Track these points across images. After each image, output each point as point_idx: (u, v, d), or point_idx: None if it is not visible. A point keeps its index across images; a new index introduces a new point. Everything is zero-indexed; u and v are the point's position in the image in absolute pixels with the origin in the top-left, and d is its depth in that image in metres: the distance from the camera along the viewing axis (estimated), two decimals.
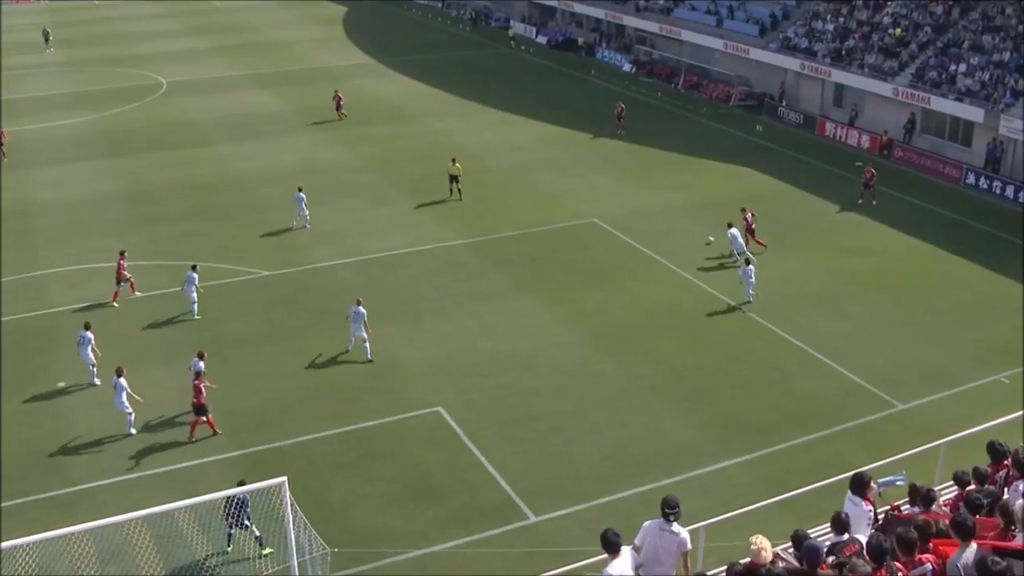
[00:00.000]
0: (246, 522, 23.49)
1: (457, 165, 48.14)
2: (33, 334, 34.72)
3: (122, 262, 37.28)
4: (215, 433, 28.62)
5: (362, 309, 32.53)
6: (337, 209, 46.89)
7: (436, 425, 29.16)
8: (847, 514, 13.15)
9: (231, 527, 23.60)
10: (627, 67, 78.66)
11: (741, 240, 40.43)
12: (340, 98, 63.31)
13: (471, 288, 38.37)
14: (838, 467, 22.84)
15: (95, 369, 31.48)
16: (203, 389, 28.46)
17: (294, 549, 20.55)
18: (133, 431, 28.68)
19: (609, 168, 53.12)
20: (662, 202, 47.77)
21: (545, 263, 40.61)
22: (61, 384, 31.37)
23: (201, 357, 29.63)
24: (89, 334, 31.44)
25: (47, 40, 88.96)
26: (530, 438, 28.52)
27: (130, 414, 28.67)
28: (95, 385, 31.28)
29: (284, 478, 20.29)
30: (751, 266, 36.74)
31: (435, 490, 26.17)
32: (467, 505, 25.61)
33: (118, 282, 37.15)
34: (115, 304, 36.97)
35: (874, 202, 47.07)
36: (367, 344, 32.52)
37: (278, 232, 43.87)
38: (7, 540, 20.29)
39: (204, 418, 28.56)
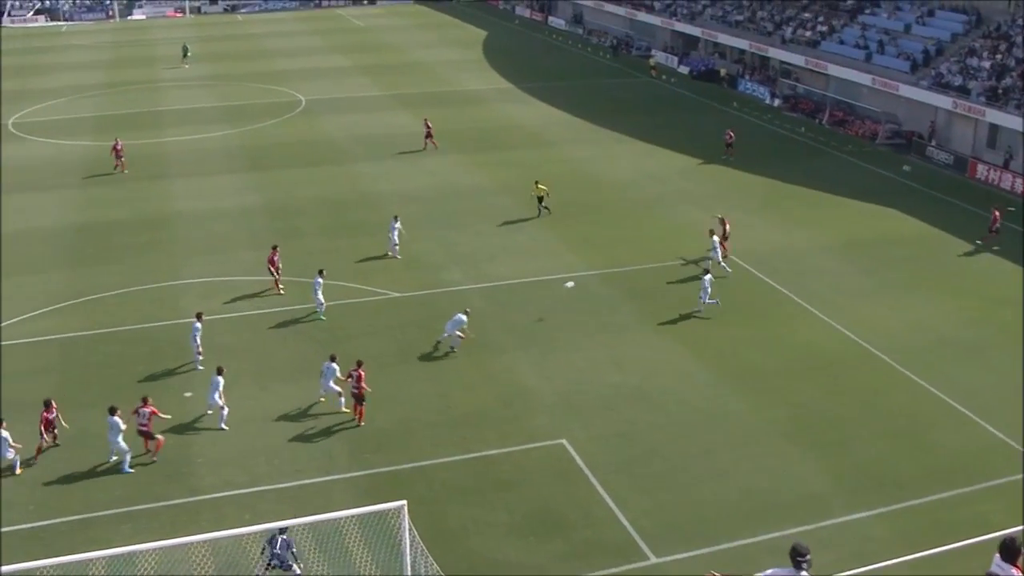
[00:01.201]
0: (292, 564, 22.68)
1: (541, 187, 49.30)
2: (167, 344, 35.83)
3: (275, 256, 39.77)
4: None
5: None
6: (472, 233, 47.39)
7: (560, 457, 29.05)
8: None
9: (270, 567, 22.72)
10: (770, 100, 77.71)
11: (718, 250, 42.42)
12: (430, 126, 62.71)
13: (603, 319, 38.22)
14: (981, 528, 22.09)
15: (200, 357, 33.82)
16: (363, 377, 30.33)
17: (409, 575, 20.73)
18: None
19: (748, 203, 52.43)
20: (802, 240, 46.90)
21: (679, 298, 40.14)
22: (188, 395, 32.29)
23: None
24: (199, 324, 33.78)
25: (185, 55, 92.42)
26: (655, 476, 28.19)
27: (222, 409, 30.27)
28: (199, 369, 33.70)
29: (404, 502, 20.52)
30: (709, 276, 38.57)
31: (556, 523, 26.05)
32: (587, 541, 25.41)
33: (276, 271, 39.76)
34: (281, 291, 39.85)
35: (995, 247, 45.95)
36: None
37: (410, 253, 44.46)
38: (127, 546, 21.02)
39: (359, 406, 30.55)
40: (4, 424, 28.23)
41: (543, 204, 49.50)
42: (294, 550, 22.61)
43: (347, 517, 23.04)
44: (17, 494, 26.87)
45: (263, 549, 22.63)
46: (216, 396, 30.21)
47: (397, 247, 44.19)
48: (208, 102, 76.74)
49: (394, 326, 37.57)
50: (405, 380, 33.34)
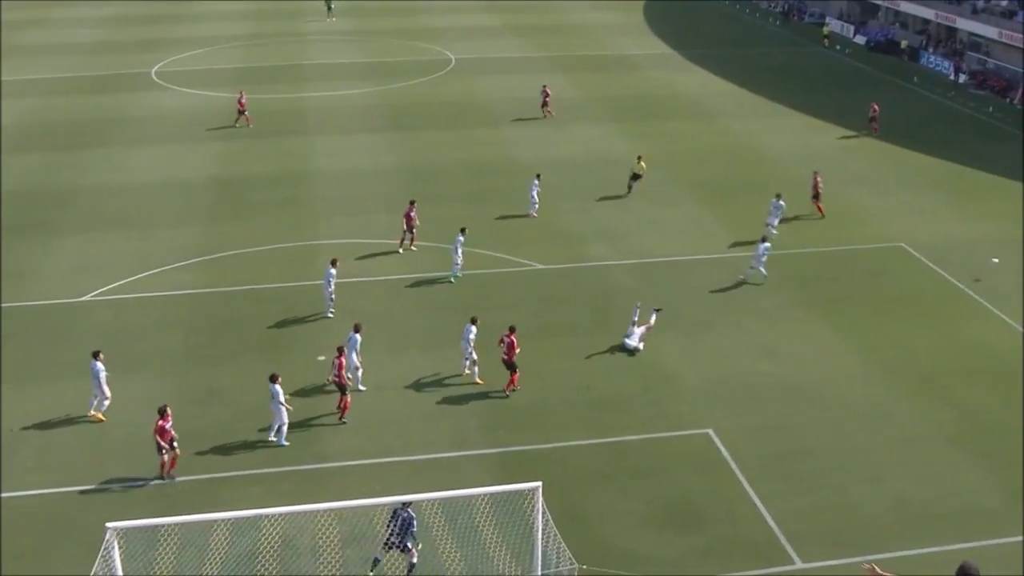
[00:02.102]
0: (409, 544, 22.79)
1: (642, 164, 48.58)
2: (303, 304, 36.78)
3: (412, 212, 41.03)
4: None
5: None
6: (619, 206, 47.26)
7: (704, 448, 28.84)
8: None
9: (388, 547, 22.82)
10: (955, 76, 75.11)
11: (776, 216, 43.87)
12: (548, 94, 62.16)
13: (757, 305, 37.70)
14: None
15: (332, 303, 35.69)
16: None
17: (539, 559, 20.87)
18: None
19: (922, 187, 50.90)
20: (983, 232, 45.27)
21: (842, 286, 39.37)
22: (321, 358, 32.99)
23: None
24: (333, 271, 35.48)
25: (329, 8, 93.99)
26: (805, 475, 27.73)
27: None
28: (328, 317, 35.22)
29: (539, 483, 20.64)
30: (767, 243, 39.24)
31: (695, 517, 25.89)
32: (728, 538, 25.19)
33: (409, 229, 41.01)
34: (400, 251, 41.13)
35: None
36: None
37: (555, 224, 44.62)
38: (252, 509, 21.71)
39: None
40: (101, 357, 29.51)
41: (636, 183, 48.70)
42: (414, 530, 22.74)
43: (479, 495, 23.31)
44: (144, 449, 27.88)
45: (388, 524, 22.95)
46: (353, 356, 30.73)
47: (536, 206, 45.29)
48: (352, 58, 78.14)
49: (534, 299, 37.77)
50: (543, 356, 33.47)
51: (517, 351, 31.07)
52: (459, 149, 55.66)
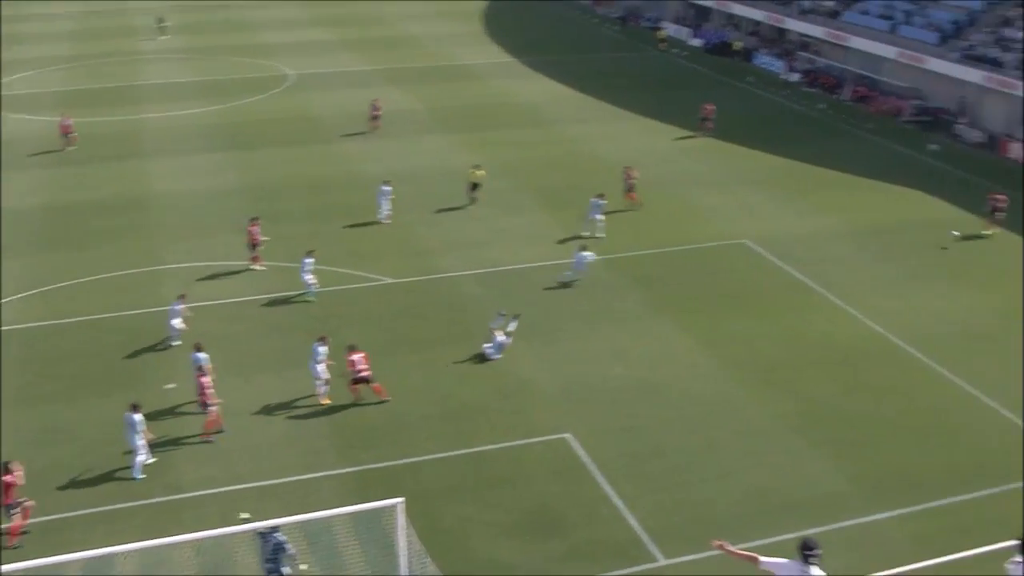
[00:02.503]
0: (284, 571, 22.61)
1: (479, 172, 49.38)
2: (146, 332, 36.05)
3: (254, 228, 40.88)
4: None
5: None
6: (466, 217, 47.63)
7: (562, 453, 29.30)
8: None
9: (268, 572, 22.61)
10: (786, 75, 77.81)
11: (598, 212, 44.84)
12: (378, 108, 61.89)
13: (606, 308, 38.46)
14: (1008, 531, 22.26)
15: (177, 332, 35.07)
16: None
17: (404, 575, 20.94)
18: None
19: (763, 185, 52.66)
20: (820, 225, 47.10)
21: (688, 285, 40.47)
22: (171, 386, 32.49)
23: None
24: (179, 306, 34.95)
25: (161, 26, 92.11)
26: (663, 474, 28.45)
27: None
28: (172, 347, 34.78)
29: (401, 499, 20.75)
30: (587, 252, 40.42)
31: (557, 522, 26.30)
32: (590, 541, 25.67)
33: (253, 247, 40.83)
34: (254, 267, 40.96)
35: (995, 230, 46.16)
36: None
37: (404, 237, 44.75)
38: (104, 547, 21.25)
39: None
40: None
41: (475, 191, 49.38)
42: (290, 552, 22.49)
43: (340, 515, 23.26)
44: None
45: (261, 549, 22.68)
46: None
47: (389, 214, 46.07)
48: (187, 76, 76.86)
49: (386, 314, 37.81)
50: (397, 371, 33.50)
51: (362, 368, 31.07)
52: (301, 165, 55.27)
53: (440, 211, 47.95)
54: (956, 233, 44.88)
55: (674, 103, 68.96)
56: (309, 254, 38.66)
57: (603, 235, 44.33)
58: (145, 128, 62.71)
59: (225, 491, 27.48)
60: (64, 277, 40.74)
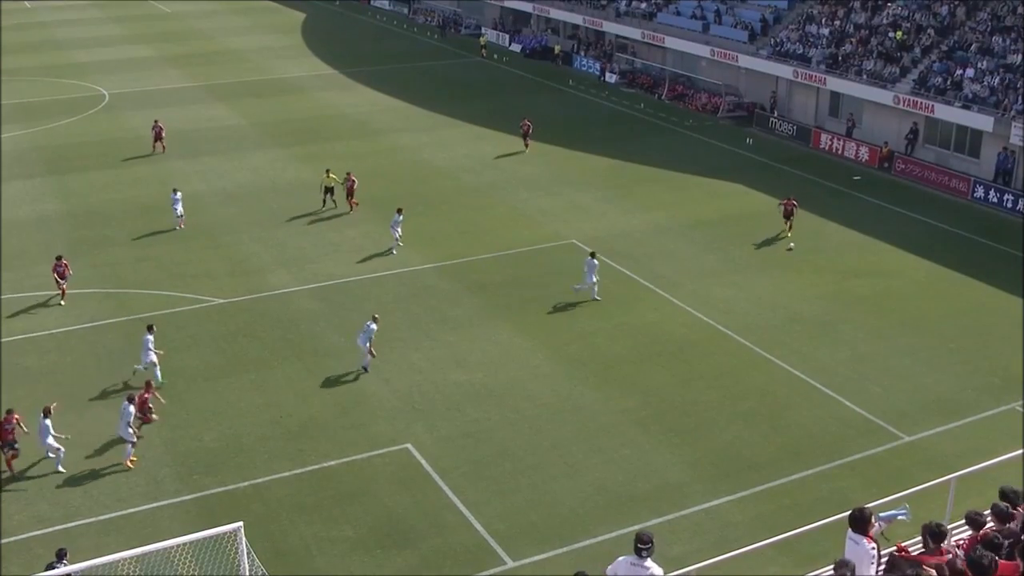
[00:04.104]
0: None
1: (332, 176, 49.50)
2: None
3: (59, 266, 39.05)
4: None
5: (373, 326, 33.77)
6: (297, 232, 46.88)
7: (405, 463, 29.06)
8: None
9: None
10: (606, 77, 79.10)
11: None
12: (161, 128, 60.35)
13: (442, 315, 38.36)
14: (840, 505, 22.94)
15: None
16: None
17: None
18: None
19: (589, 186, 53.36)
20: (647, 222, 48.00)
21: (521, 288, 40.68)
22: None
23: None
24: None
25: None
26: (506, 477, 28.48)
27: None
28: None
29: (240, 523, 20.21)
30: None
31: (404, 534, 26.07)
32: (439, 550, 25.52)
33: (62, 278, 38.96)
34: (62, 303, 38.99)
35: (789, 233, 45.70)
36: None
37: (234, 256, 43.79)
38: None
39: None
40: None
41: (331, 196, 49.43)
42: None
43: (178, 545, 22.53)
44: None
45: None
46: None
47: (182, 218, 46.73)
48: None
49: (217, 336, 36.86)
50: (233, 393, 32.78)
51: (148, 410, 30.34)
52: (121, 189, 53.36)
53: (270, 227, 47.08)
54: (792, 246, 44.96)
55: (498, 108, 69.39)
56: (150, 329, 34.38)
57: (395, 252, 44.30)
58: None
59: (57, 530, 26.21)
60: None
